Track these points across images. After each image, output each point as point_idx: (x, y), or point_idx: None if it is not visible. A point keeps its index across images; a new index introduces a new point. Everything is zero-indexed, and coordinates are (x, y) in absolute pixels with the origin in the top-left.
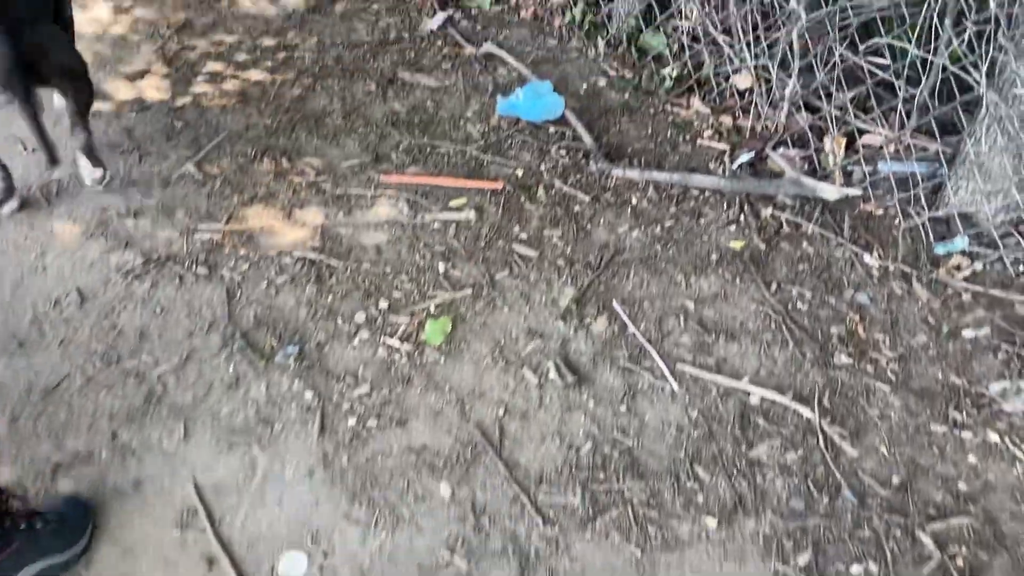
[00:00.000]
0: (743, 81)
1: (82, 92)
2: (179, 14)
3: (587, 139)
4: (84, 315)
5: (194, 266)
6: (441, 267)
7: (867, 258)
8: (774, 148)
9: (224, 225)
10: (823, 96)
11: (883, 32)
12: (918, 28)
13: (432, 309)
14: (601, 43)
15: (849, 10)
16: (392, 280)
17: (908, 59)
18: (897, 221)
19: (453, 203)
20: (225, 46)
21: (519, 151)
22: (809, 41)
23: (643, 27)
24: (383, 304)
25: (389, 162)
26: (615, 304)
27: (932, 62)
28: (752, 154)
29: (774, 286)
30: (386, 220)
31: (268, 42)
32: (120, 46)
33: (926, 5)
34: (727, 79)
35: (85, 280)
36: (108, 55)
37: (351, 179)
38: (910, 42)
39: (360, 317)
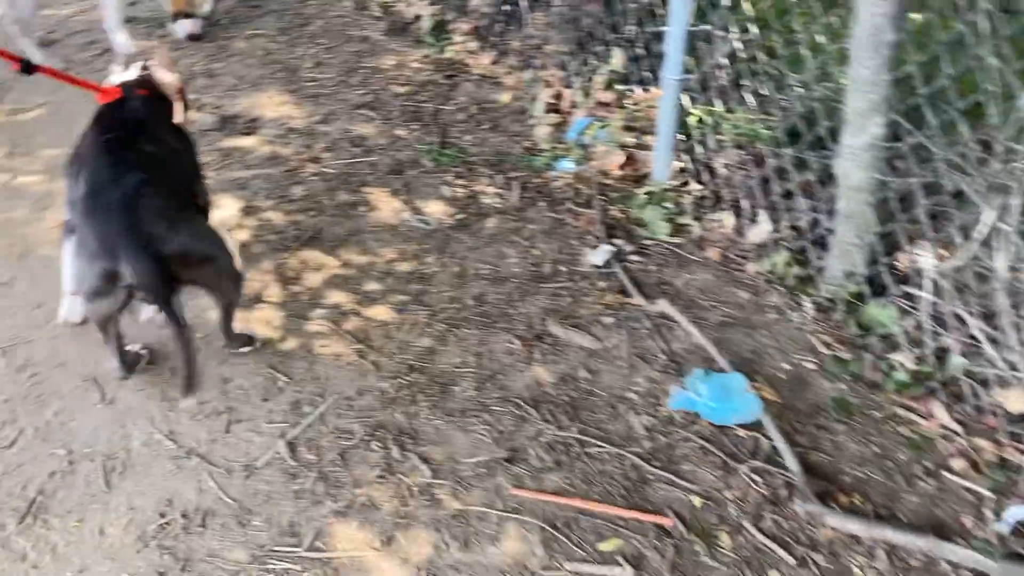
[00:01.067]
0: (1016, 401)
1: (228, 293)
2: (311, 219)
3: (790, 459)
4: None
5: None
6: None
7: None
8: None
9: (305, 550)
10: None
11: None
12: None
13: None
14: (809, 305)
15: None
16: None
17: None
18: None
19: (603, 546)
20: (353, 269)
21: (696, 464)
22: None
23: (867, 292)
24: None
25: (525, 463)
26: None
27: None
28: None
29: None
30: (512, 562)
31: (403, 267)
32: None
33: None
34: (984, 383)
35: None
36: None
37: (475, 486)
38: None
39: None
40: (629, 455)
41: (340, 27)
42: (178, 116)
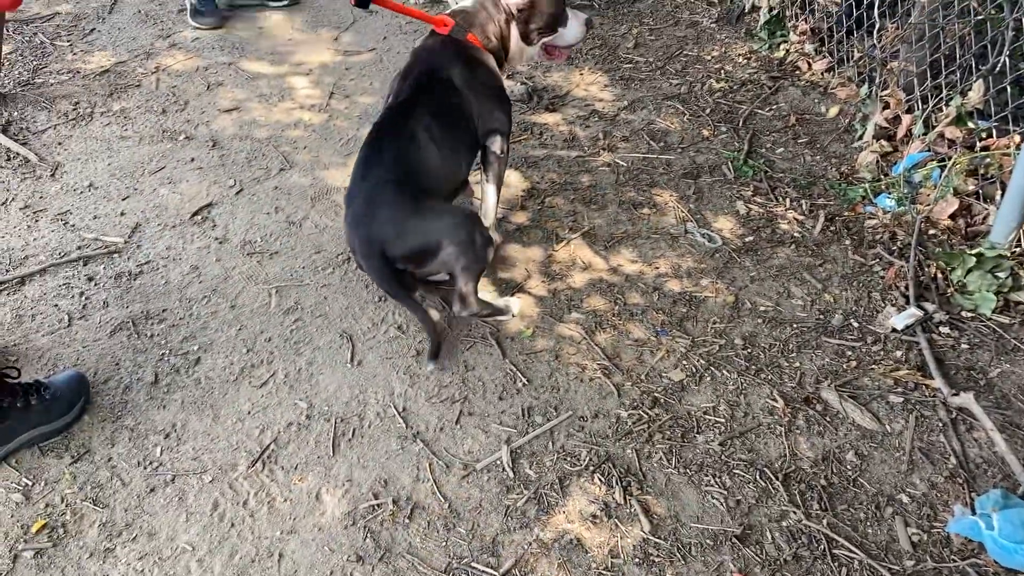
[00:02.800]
0: None
1: (466, 273)
2: (592, 212)
3: None
4: None
5: None
6: None
7: None
8: None
9: (501, 574)
10: None
11: None
12: None
13: None
14: None
15: None
16: None
17: None
18: None
19: None
20: (620, 276)
21: None
22: None
23: None
24: None
25: (758, 547)
26: None
27: None
28: None
29: None
30: None
31: (673, 284)
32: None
33: None
34: None
35: None
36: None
37: (694, 557)
38: None
39: None
40: (884, 571)
41: (671, 8)
42: (514, 42)
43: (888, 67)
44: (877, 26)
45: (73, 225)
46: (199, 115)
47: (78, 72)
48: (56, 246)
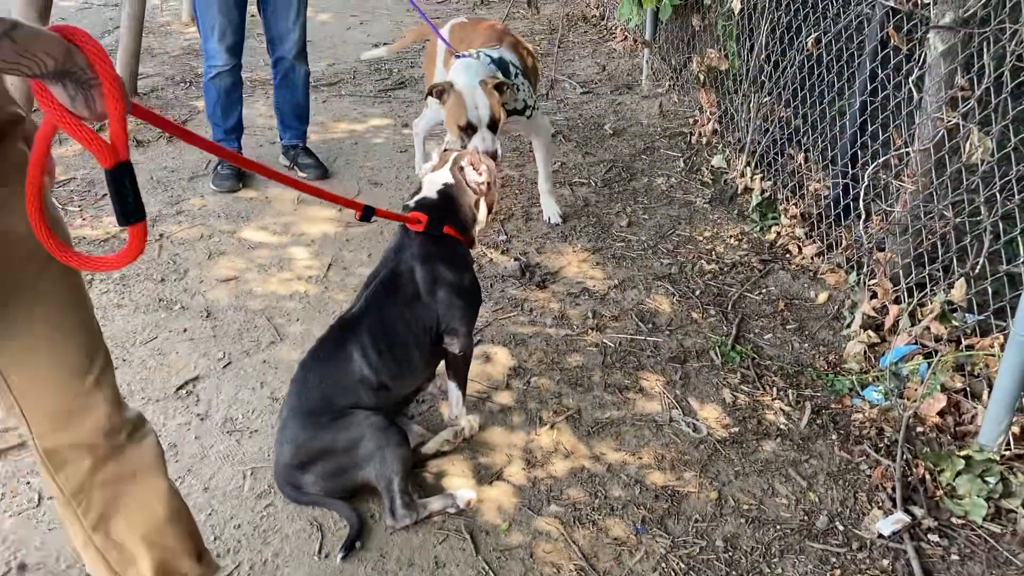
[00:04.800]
0: None
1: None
2: (577, 395)
3: None
4: None
5: None
6: None
7: None
8: None
9: None
10: None
11: None
12: None
13: None
14: None
15: None
16: None
17: None
18: None
19: None
20: (602, 466)
21: None
22: None
23: None
24: None
25: None
26: None
27: None
28: None
29: None
30: None
31: (655, 477)
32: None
33: None
34: None
35: None
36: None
37: None
38: None
39: None
40: None
41: (665, 188)
42: (480, 221)
43: (875, 256)
44: (863, 215)
45: None
46: (197, 284)
47: (84, 238)
48: None
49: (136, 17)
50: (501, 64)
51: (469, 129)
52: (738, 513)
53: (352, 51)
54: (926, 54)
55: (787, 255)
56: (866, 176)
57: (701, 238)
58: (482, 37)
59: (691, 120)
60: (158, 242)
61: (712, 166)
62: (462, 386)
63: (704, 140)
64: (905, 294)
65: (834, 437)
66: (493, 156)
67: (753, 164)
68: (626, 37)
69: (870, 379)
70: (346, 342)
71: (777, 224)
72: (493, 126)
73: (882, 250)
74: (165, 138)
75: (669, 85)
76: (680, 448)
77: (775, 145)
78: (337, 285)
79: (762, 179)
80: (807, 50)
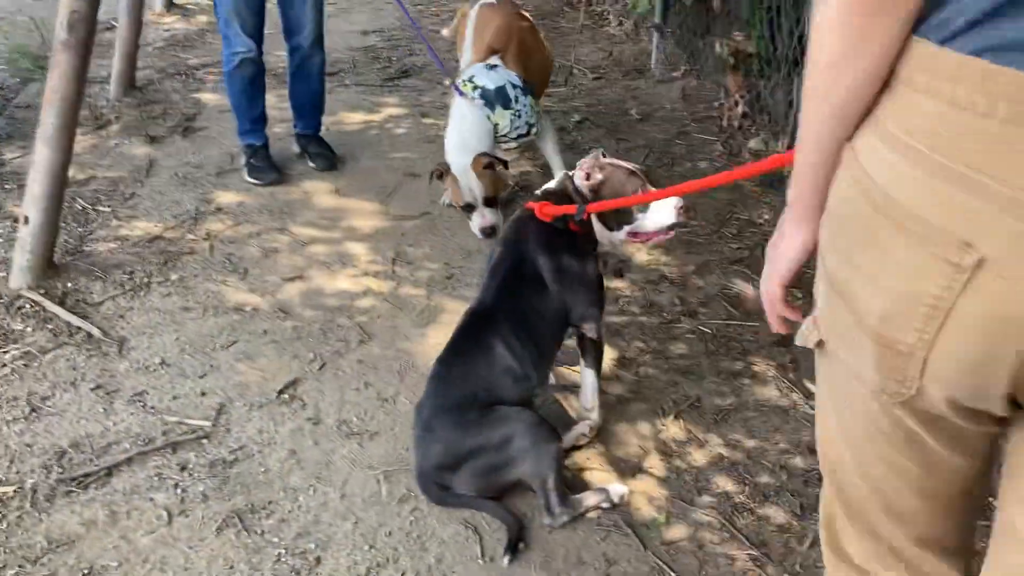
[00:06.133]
0: None
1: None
2: (691, 383)
3: None
4: None
5: None
6: None
7: None
8: None
9: None
10: None
11: None
12: None
13: None
14: None
15: None
16: None
17: None
18: None
19: None
20: (741, 453)
21: None
22: None
23: None
24: None
25: None
26: None
27: None
28: None
29: None
30: None
31: (798, 462)
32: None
33: None
34: None
35: None
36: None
37: None
38: None
39: None
40: None
41: (711, 171)
42: (596, 227)
43: None
44: None
45: (153, 407)
46: (262, 284)
47: (126, 239)
48: (139, 431)
49: (135, 7)
50: (500, 95)
51: (468, 208)
52: None
53: (339, 40)
54: None
55: None
56: None
57: (762, 220)
58: (492, 33)
59: (716, 104)
60: (207, 241)
61: (751, 148)
62: (598, 372)
63: (736, 124)
64: None
65: None
66: (493, 230)
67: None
68: (622, 23)
69: None
70: (485, 333)
71: None
72: (490, 202)
73: None
74: (179, 133)
75: (685, 70)
76: (814, 432)
77: None
78: (408, 281)
79: None
80: None
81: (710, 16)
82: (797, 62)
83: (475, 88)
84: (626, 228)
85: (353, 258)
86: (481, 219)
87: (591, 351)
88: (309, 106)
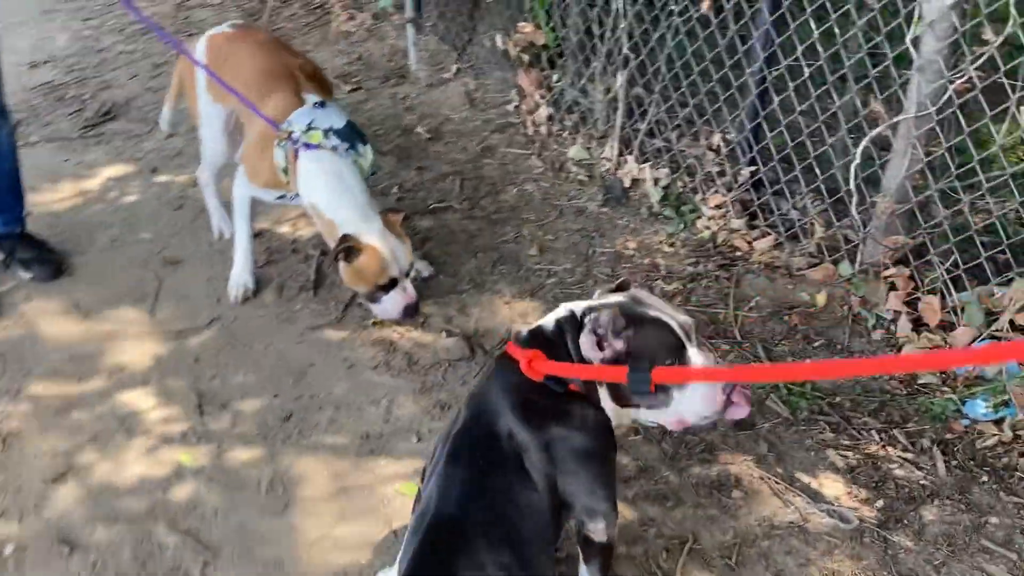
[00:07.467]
0: None
1: None
2: (668, 512)
3: None
4: None
5: None
6: None
7: None
8: None
9: None
10: None
11: None
12: None
13: None
14: None
15: None
16: None
17: None
18: None
19: None
20: None
21: None
22: None
23: None
24: None
25: None
26: None
27: None
28: None
29: None
30: None
31: None
32: None
33: None
34: None
35: None
36: None
37: None
38: None
39: None
40: None
41: (541, 196)
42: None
43: (885, 241)
44: (854, 196)
45: None
46: (15, 499)
47: None
48: None
49: None
50: (354, 131)
51: (383, 288)
52: None
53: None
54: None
55: (740, 254)
56: (858, 153)
57: (629, 251)
58: (266, 69)
59: (510, 107)
60: None
61: (573, 159)
62: None
63: (545, 130)
64: (947, 282)
65: (985, 479)
66: (416, 307)
67: (634, 152)
68: (352, 16)
69: (968, 393)
70: (452, 560)
71: (700, 217)
72: (409, 271)
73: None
74: None
75: (457, 69)
76: (845, 550)
77: (664, 128)
78: (231, 437)
79: (651, 167)
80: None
81: (475, 4)
82: (595, 52)
83: (326, 134)
84: (651, 409)
85: (138, 419)
86: (404, 295)
87: (597, 558)
88: (6, 193)
